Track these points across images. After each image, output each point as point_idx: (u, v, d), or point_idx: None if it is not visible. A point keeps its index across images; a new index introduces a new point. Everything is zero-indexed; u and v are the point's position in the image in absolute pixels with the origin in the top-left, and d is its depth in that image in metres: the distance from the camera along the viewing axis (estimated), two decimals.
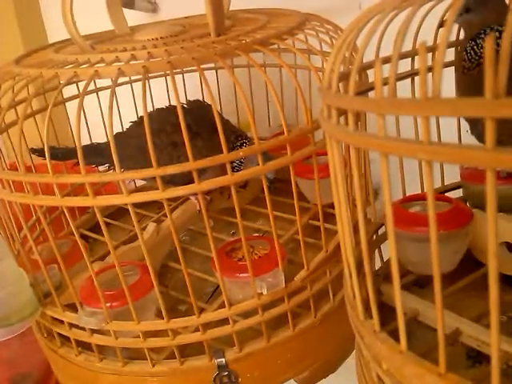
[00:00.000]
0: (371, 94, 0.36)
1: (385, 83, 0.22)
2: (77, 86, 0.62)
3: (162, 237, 0.55)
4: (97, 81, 0.61)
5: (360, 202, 0.26)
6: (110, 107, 0.35)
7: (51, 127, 0.54)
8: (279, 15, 0.51)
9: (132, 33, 0.54)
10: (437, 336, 0.24)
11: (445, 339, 0.32)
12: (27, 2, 0.92)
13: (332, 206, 0.32)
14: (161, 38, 0.47)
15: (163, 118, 0.55)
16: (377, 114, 0.22)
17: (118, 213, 0.68)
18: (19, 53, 0.52)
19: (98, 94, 0.65)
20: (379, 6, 0.28)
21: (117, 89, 0.64)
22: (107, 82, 0.63)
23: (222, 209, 0.63)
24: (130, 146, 0.53)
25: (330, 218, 0.46)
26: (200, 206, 0.61)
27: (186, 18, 0.62)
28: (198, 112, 0.55)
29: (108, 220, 0.65)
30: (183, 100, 0.66)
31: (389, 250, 0.24)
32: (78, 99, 0.36)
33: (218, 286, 0.53)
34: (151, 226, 0.55)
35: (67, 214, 0.37)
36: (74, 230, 0.38)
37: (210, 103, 0.58)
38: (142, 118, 0.61)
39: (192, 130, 0.52)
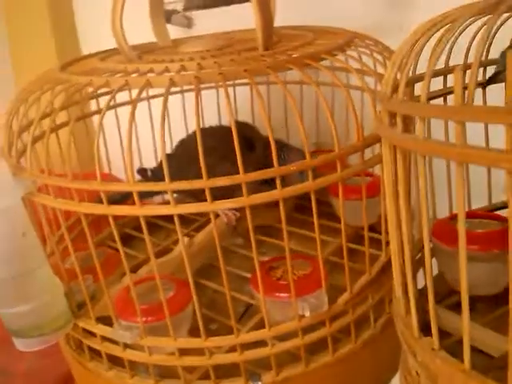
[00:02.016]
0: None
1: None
2: (96, 100, 0.61)
3: (194, 252, 0.54)
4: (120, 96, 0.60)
5: (425, 217, 0.25)
6: (163, 117, 0.35)
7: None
8: (325, 32, 0.51)
9: (175, 45, 0.54)
10: (485, 358, 0.23)
11: (495, 362, 0.31)
12: (62, 12, 0.94)
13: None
14: (207, 50, 0.47)
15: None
16: (454, 121, 0.21)
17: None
18: (53, 62, 0.52)
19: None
20: (447, 17, 0.27)
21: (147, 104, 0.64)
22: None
23: (254, 227, 0.62)
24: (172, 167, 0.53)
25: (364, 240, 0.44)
26: (229, 223, 0.61)
27: (225, 33, 0.62)
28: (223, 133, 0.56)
29: (135, 233, 0.64)
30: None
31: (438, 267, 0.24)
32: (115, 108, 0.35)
33: (249, 306, 0.51)
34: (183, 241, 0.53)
35: (111, 223, 0.36)
36: (117, 239, 0.37)
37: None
38: (181, 141, 0.61)
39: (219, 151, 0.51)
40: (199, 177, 0.35)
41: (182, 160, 0.49)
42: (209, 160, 0.47)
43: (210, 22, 0.85)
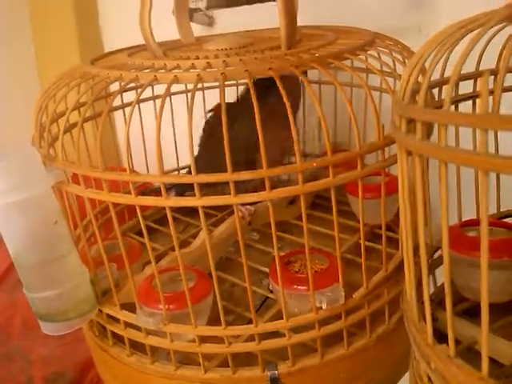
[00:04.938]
0: None
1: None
2: (121, 96, 0.62)
3: (212, 245, 0.55)
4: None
5: (445, 223, 0.26)
6: (190, 111, 0.36)
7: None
8: (346, 32, 0.52)
9: (199, 43, 0.55)
10: (495, 366, 0.23)
11: (505, 370, 0.31)
12: (86, 10, 0.96)
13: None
14: (230, 48, 0.48)
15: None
16: (481, 129, 0.22)
17: (164, 220, 0.69)
18: (76, 58, 0.53)
19: (154, 102, 0.66)
20: (473, 21, 0.28)
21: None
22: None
23: (268, 222, 0.63)
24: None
25: (380, 239, 0.45)
26: (243, 218, 0.62)
27: (247, 32, 0.63)
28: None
29: (155, 226, 0.66)
30: None
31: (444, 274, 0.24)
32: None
33: (266, 299, 0.53)
34: (203, 234, 0.55)
35: (139, 213, 0.38)
36: (143, 229, 0.39)
37: None
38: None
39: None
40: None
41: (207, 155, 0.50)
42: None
43: (231, 20, 0.86)
